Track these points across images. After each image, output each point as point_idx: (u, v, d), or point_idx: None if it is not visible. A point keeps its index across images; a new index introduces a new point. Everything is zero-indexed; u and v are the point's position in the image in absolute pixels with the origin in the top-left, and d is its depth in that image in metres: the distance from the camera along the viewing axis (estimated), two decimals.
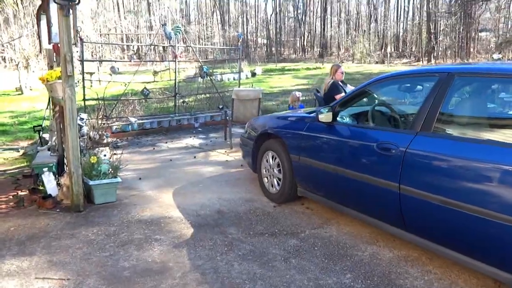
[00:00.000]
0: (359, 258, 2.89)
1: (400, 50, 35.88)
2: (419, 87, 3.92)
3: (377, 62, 28.68)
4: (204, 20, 41.10)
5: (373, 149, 2.92)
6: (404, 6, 37.66)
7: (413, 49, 34.41)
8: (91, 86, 7.95)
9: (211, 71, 9.60)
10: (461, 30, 29.00)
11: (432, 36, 30.64)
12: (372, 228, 3.25)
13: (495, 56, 22.33)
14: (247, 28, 40.94)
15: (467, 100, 3.15)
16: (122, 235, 3.28)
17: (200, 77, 9.18)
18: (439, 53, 30.26)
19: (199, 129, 7.91)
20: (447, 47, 30.62)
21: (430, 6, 30.90)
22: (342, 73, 5.83)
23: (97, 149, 4.40)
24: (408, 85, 4.22)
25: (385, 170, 2.83)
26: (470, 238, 2.40)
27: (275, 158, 4.02)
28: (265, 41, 41.81)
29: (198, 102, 9.39)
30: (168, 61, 10.78)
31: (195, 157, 5.85)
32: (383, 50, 33.73)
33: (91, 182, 3.88)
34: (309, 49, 39.68)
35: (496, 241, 2.25)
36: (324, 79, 5.86)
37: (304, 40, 40.64)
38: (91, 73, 10.55)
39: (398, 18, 38.23)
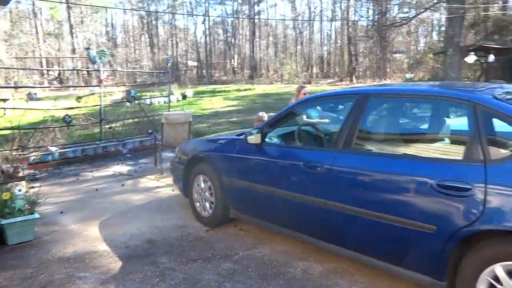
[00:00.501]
0: (292, 275, 2.93)
1: (325, 71, 37.98)
2: (340, 107, 4.16)
3: (304, 83, 29.95)
4: (132, 43, 40.26)
5: (300, 168, 3.02)
6: (327, 30, 40.16)
7: (337, 70, 36.63)
8: (4, 114, 7.32)
9: (139, 94, 9.35)
10: (378, 52, 31.50)
11: (353, 58, 32.92)
12: (305, 245, 3.31)
13: (408, 75, 24.48)
14: (177, 51, 40.80)
15: (383, 118, 3.39)
16: (41, 276, 3.00)
17: (127, 102, 8.87)
18: (360, 73, 32.52)
19: (128, 155, 7.59)
20: (366, 68, 33.05)
21: (350, 31, 33.28)
22: (305, 94, 5.97)
23: (10, 183, 4.02)
24: (331, 105, 4.46)
25: (312, 187, 2.94)
26: (390, 246, 2.55)
27: (207, 182, 3.98)
28: (195, 64, 41.92)
29: (126, 127, 9.06)
30: (93, 85, 10.34)
31: (123, 185, 5.59)
32: (309, 71, 35.46)
33: (3, 221, 3.52)
34: (239, 71, 40.44)
35: (415, 247, 2.42)
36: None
37: (234, 62, 41.39)
38: (4, 100, 9.74)
39: (322, 41, 40.61)
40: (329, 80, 32.77)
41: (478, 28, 22.19)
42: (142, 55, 38.97)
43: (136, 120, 9.10)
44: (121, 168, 6.64)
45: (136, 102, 8.76)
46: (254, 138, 3.40)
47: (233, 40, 41.89)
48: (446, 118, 3.03)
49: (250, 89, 23.95)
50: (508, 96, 2.45)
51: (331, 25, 39.08)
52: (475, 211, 2.13)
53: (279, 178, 3.26)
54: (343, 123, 2.97)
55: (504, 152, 2.22)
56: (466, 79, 18.19)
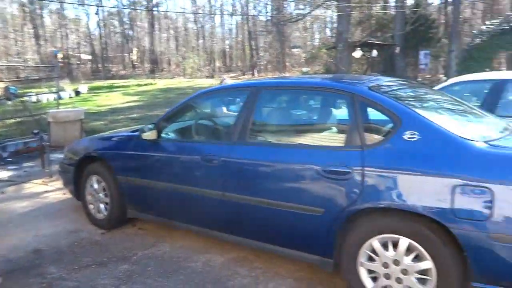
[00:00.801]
0: (193, 269, 2.92)
1: (228, 64, 38.36)
2: (237, 99, 4.22)
3: (207, 77, 29.94)
4: (13, 33, 35.90)
5: (198, 162, 3.00)
6: (228, 25, 40.56)
7: (239, 64, 37.25)
8: None
9: (21, 91, 8.41)
10: (278, 47, 32.78)
11: (254, 52, 33.77)
12: (206, 238, 3.31)
13: (304, 69, 25.95)
14: (67, 43, 37.51)
15: (274, 110, 3.52)
16: None
17: (7, 100, 7.91)
18: (262, 67, 33.52)
19: (9, 159, 6.77)
20: (267, 62, 34.18)
21: (250, 25, 34.04)
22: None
23: None
24: (228, 98, 4.50)
25: (210, 180, 2.95)
26: (284, 231, 2.68)
27: (101, 182, 3.74)
28: (89, 57, 39.00)
29: (7, 128, 8.08)
30: None
31: (3, 192, 4.97)
32: (212, 65, 35.48)
33: None
34: (139, 65, 38.75)
35: (306, 230, 2.57)
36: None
37: (133, 55, 39.50)
38: None
39: (224, 35, 40.90)
40: (232, 74, 33.18)
41: (364, 26, 24.41)
42: (26, 47, 35.03)
43: (19, 119, 8.17)
44: (1, 174, 5.90)
45: (18, 99, 7.86)
46: (150, 134, 3.29)
47: (131, 33, 39.90)
48: (331, 109, 3.25)
49: (151, 84, 23.16)
50: (384, 89, 2.72)
51: (231, 19, 39.58)
52: (356, 192, 2.34)
53: (177, 173, 3.20)
54: (238, 116, 3.02)
55: (377, 137, 2.46)
56: (354, 72, 19.89)
